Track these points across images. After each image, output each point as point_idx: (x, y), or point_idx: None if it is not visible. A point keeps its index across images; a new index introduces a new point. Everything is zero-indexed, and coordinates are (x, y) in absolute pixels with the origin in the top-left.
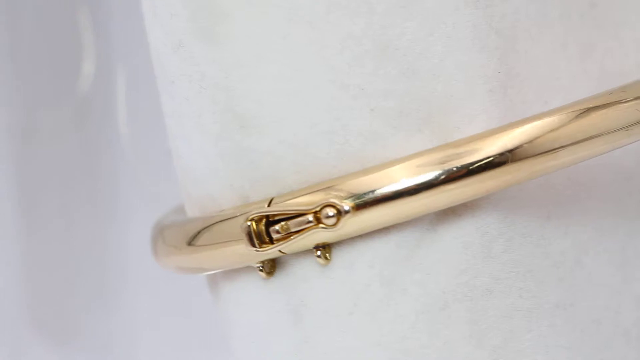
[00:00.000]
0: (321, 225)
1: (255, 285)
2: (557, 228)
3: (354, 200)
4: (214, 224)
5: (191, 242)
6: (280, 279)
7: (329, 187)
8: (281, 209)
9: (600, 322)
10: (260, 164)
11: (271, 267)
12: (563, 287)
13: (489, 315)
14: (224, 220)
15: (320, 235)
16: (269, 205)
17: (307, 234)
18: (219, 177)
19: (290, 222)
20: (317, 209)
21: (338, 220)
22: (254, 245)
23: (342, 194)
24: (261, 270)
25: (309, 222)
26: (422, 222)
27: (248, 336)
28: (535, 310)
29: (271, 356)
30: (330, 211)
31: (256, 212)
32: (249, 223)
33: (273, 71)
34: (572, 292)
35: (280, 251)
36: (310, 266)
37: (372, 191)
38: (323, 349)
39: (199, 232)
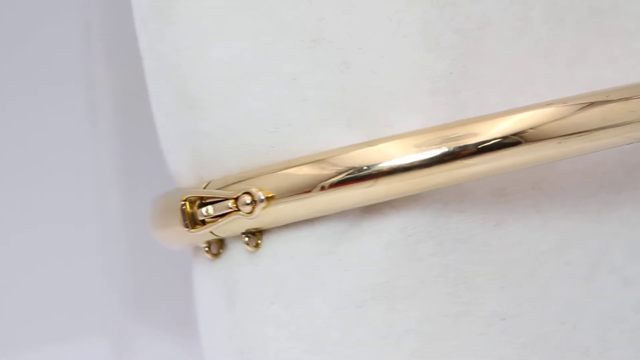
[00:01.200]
0: (240, 212)
1: (204, 266)
2: (507, 236)
3: (273, 190)
4: (165, 203)
5: (156, 220)
6: (222, 262)
7: (256, 176)
8: (211, 193)
9: (551, 337)
10: (206, 146)
11: (219, 248)
12: (505, 296)
13: (410, 317)
14: (169, 200)
15: (243, 221)
16: (204, 188)
17: (229, 219)
18: (178, 157)
19: (214, 207)
20: (237, 195)
21: (253, 208)
22: (186, 226)
23: (263, 183)
24: (207, 252)
25: (229, 207)
26: (346, 218)
27: (201, 317)
28: (465, 316)
29: (214, 339)
30: (247, 199)
31: (189, 194)
32: (182, 204)
33: (214, 55)
34: (517, 302)
35: (212, 233)
36: (243, 252)
37: (289, 183)
38: (251, 336)
39: (160, 211)
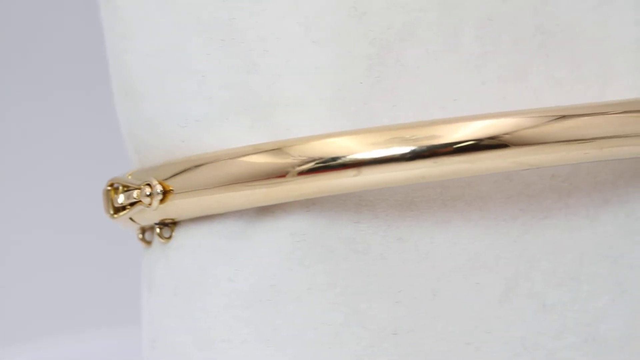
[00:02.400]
0: (142, 202)
1: (143, 253)
2: (409, 251)
3: (175, 182)
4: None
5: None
6: (149, 251)
7: (164, 168)
8: (126, 181)
9: (449, 357)
10: (139, 134)
11: (152, 237)
12: (400, 311)
13: (294, 323)
14: (108, 185)
15: (148, 212)
16: (129, 176)
17: (137, 208)
18: (126, 142)
19: (125, 195)
20: (140, 186)
21: (151, 200)
22: (107, 212)
23: (167, 175)
24: (141, 239)
25: (134, 197)
26: (243, 217)
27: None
28: (352, 327)
29: (141, 326)
30: (147, 190)
31: (113, 180)
32: (108, 189)
33: (140, 47)
34: (414, 319)
35: (131, 219)
36: (159, 243)
37: (191, 178)
38: (158, 326)
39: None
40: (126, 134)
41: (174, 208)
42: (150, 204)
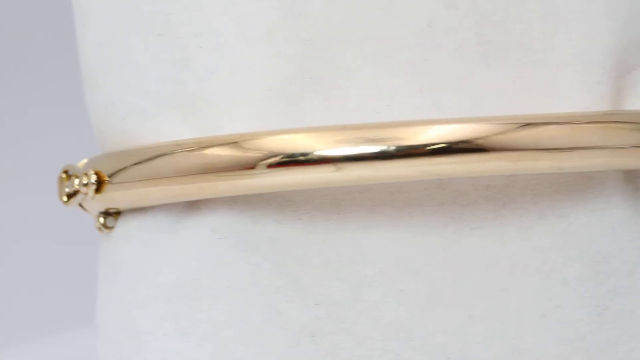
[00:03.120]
0: (81, 191)
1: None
2: (331, 254)
3: (110, 173)
4: None
5: None
6: (102, 238)
7: (104, 159)
8: (74, 169)
9: None
10: (95, 121)
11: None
12: (320, 313)
13: (214, 319)
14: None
15: (89, 200)
16: (83, 164)
17: (79, 197)
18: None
19: (71, 182)
20: (81, 174)
21: (87, 189)
22: (60, 197)
23: (104, 165)
24: (101, 226)
25: (76, 186)
26: (173, 212)
27: None
28: (271, 326)
29: None
30: (85, 179)
31: (67, 167)
32: (62, 175)
33: (90, 36)
34: (333, 322)
35: (81, 206)
36: (104, 232)
37: (125, 170)
38: (98, 315)
39: None
40: (90, 121)
41: (110, 198)
42: (86, 193)
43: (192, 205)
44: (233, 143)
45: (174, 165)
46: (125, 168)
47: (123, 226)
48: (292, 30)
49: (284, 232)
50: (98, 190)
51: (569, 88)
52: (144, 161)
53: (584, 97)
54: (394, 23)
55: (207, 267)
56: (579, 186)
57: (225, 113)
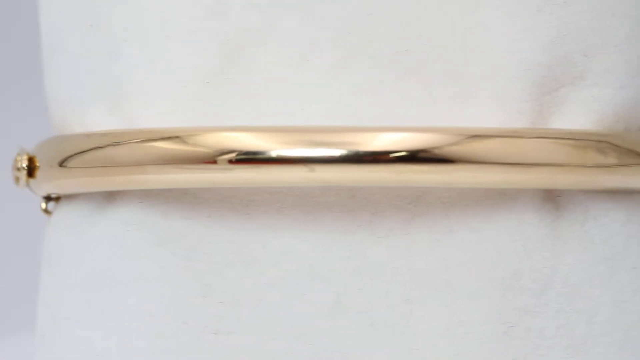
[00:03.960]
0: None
1: None
2: (240, 254)
3: (42, 159)
4: None
5: None
6: (48, 222)
7: (44, 143)
8: (24, 152)
9: None
10: (48, 105)
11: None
12: (223, 312)
13: (121, 310)
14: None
15: (30, 183)
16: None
17: (22, 180)
18: None
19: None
20: (21, 159)
21: (20, 174)
22: (15, 180)
23: (41, 151)
24: (43, 210)
25: (18, 169)
26: (93, 202)
27: None
28: (173, 322)
29: None
30: (19, 164)
31: (20, 150)
32: (17, 158)
33: (44, 24)
34: (236, 321)
35: (31, 189)
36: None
37: (55, 157)
38: (40, 297)
39: None
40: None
41: (40, 185)
42: (19, 178)
43: (110, 197)
44: (175, 137)
45: (105, 156)
46: (58, 155)
47: (58, 212)
48: (211, 29)
49: (193, 229)
50: (30, 175)
51: (485, 102)
52: (76, 150)
53: (500, 112)
54: (313, 27)
55: (119, 258)
56: (490, 201)
57: (145, 107)
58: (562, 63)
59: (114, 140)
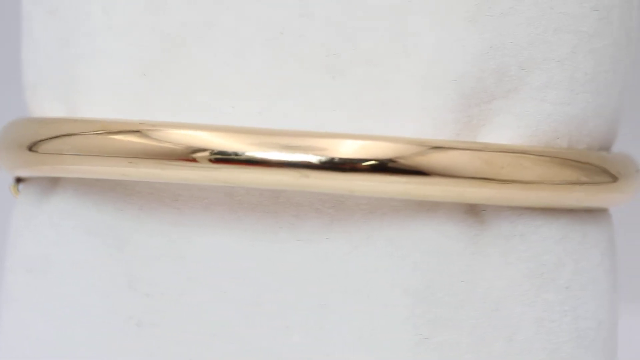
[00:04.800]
0: None
1: None
2: (166, 247)
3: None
4: None
5: None
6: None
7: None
8: None
9: (188, 356)
10: None
11: None
12: (148, 304)
13: (57, 296)
14: None
15: None
16: None
17: None
18: None
19: None
20: None
21: None
22: None
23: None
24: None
25: None
26: (40, 186)
27: None
28: (101, 310)
29: None
30: None
31: None
32: None
33: (23, 9)
34: (161, 314)
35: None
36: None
37: (8, 139)
38: (1, 272)
39: None
40: None
41: (10, 165)
42: None
43: (54, 183)
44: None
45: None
46: (8, 137)
47: (20, 195)
48: (151, 22)
49: (124, 220)
50: None
51: (410, 110)
52: (26, 133)
53: (425, 121)
54: (249, 26)
55: (56, 245)
56: (408, 211)
57: (86, 96)
58: (495, 75)
59: (65, 130)
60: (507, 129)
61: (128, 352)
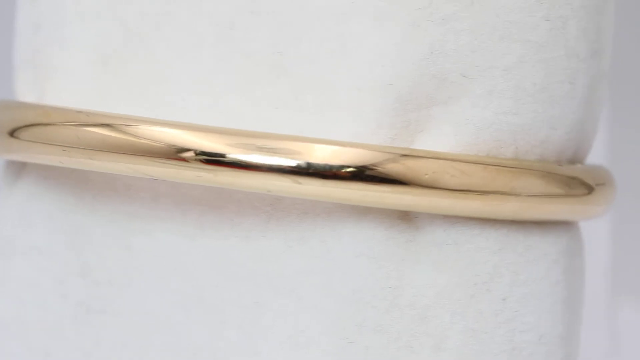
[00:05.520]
0: None
1: None
2: (116, 236)
3: None
4: None
5: None
6: None
7: None
8: None
9: (130, 347)
10: None
11: None
12: (97, 292)
13: (16, 280)
14: None
15: None
16: None
17: None
18: None
19: None
20: None
21: None
22: None
23: None
24: None
25: None
26: (13, 168)
27: None
28: (54, 295)
29: None
30: None
31: None
32: None
33: None
34: (108, 302)
35: None
36: None
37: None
38: None
39: None
40: None
41: None
42: None
43: (22, 166)
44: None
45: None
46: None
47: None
48: (115, 12)
49: (79, 208)
50: None
51: (346, 112)
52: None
53: (359, 124)
54: (201, 20)
55: (19, 228)
56: (340, 213)
57: (53, 83)
58: (434, 81)
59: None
60: (445, 136)
61: (77, 337)
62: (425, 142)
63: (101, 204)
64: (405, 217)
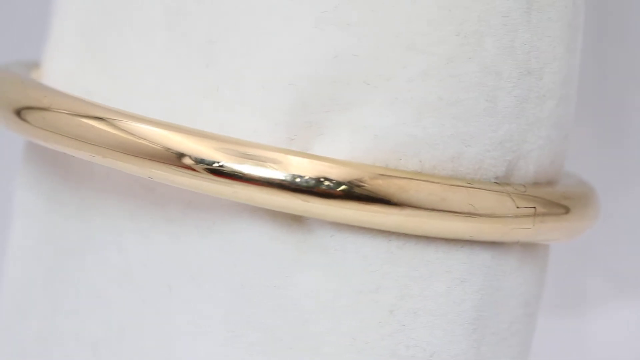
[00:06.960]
0: None
1: None
2: (90, 232)
3: None
4: None
5: None
6: None
7: None
8: None
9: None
10: None
11: None
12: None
13: (11, 275)
14: None
15: None
16: None
17: None
18: None
19: None
20: None
21: None
22: None
23: None
24: None
25: None
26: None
27: None
28: (46, 287)
29: None
30: None
31: None
32: None
33: None
34: (82, 300)
35: None
36: None
37: None
38: None
39: None
40: None
41: None
42: None
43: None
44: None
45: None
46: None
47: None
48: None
49: (59, 204)
50: None
51: (252, 108)
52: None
53: (260, 122)
54: (157, 5)
55: (14, 220)
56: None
57: (46, 52)
58: (336, 85)
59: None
60: (343, 141)
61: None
62: (325, 146)
63: (81, 199)
64: (298, 219)
